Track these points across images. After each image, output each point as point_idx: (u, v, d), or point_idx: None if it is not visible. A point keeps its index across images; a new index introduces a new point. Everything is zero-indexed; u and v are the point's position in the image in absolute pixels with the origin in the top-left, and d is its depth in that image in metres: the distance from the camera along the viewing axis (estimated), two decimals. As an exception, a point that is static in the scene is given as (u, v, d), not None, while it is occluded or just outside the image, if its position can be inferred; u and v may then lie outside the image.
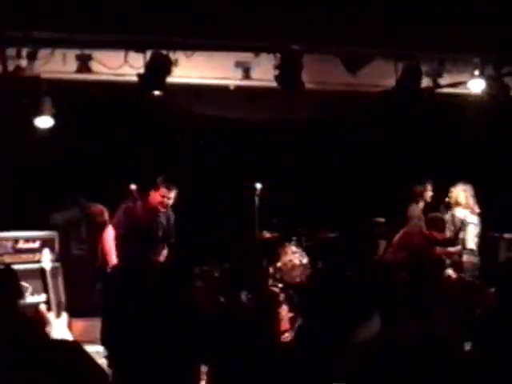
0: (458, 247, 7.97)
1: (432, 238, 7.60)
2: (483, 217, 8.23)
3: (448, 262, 7.84)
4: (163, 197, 6.82)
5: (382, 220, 8.93)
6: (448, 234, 7.96)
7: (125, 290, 4.93)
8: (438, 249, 7.74)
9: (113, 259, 6.72)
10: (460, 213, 8.12)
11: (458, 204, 8.15)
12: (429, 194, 8.52)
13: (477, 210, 8.16)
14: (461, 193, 8.14)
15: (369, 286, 4.68)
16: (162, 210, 6.89)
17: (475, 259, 8.02)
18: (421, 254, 7.47)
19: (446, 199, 8.25)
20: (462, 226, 8.07)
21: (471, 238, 8.10)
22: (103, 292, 5.87)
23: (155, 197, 6.86)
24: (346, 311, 4.33)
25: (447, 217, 8.11)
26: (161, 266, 5.19)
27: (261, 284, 6.02)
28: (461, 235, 8.08)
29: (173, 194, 6.84)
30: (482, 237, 8.24)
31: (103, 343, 5.17)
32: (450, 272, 7.69)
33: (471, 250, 8.04)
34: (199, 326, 4.92)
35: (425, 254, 7.50)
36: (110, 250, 6.77)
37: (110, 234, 6.83)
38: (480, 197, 8.22)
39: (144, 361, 4.65)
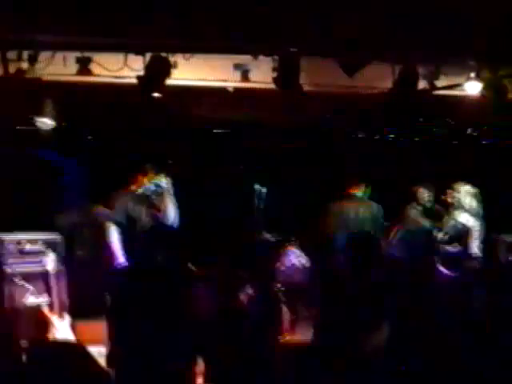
0: (455, 244, 7.93)
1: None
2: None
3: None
4: (152, 183, 6.86)
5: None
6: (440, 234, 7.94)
7: (128, 290, 5.01)
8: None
9: (119, 255, 6.72)
10: (462, 218, 8.01)
11: (460, 207, 8.01)
12: (422, 195, 8.49)
13: (481, 211, 8.08)
14: (465, 194, 8.03)
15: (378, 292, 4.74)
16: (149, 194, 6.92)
17: (477, 264, 7.88)
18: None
19: (449, 199, 8.12)
20: (463, 231, 7.98)
21: (474, 242, 8.01)
22: (108, 293, 5.91)
23: (146, 184, 6.88)
24: (359, 319, 4.39)
25: (451, 222, 7.99)
26: (162, 266, 5.23)
27: (262, 284, 6.06)
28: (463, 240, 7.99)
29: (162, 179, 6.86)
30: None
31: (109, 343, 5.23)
32: (440, 268, 7.71)
33: (474, 255, 7.92)
34: (199, 325, 4.98)
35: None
36: (115, 245, 6.78)
37: (110, 229, 6.84)
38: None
39: (144, 360, 4.72)
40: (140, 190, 6.91)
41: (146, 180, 6.88)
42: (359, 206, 8.25)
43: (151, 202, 6.93)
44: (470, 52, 6.79)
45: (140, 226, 6.82)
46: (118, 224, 6.83)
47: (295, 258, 8.26)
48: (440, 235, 7.78)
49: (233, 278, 6.74)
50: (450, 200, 8.02)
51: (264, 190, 8.08)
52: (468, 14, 6.35)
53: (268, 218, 8.29)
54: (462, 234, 7.93)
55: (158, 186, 6.87)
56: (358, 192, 8.31)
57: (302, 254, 8.35)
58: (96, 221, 7.78)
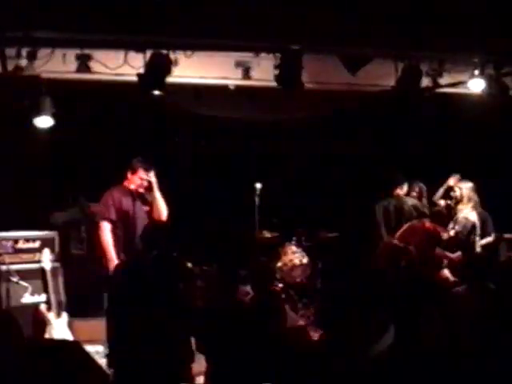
0: (458, 253, 7.82)
1: (434, 236, 7.53)
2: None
3: (445, 262, 7.73)
4: (142, 179, 6.78)
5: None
6: (452, 233, 7.85)
7: (127, 289, 4.96)
8: (438, 250, 7.64)
9: (112, 255, 6.62)
10: (471, 216, 7.96)
11: (469, 201, 7.97)
12: (413, 194, 8.49)
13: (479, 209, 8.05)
14: (469, 191, 8.00)
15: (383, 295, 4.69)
16: (141, 191, 6.83)
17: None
18: (422, 252, 7.41)
19: (455, 194, 8.07)
20: (473, 229, 7.92)
21: (478, 241, 7.98)
22: (106, 292, 5.86)
23: (134, 180, 6.79)
24: (365, 325, 4.35)
25: (462, 221, 7.91)
26: (161, 265, 5.19)
27: (262, 283, 6.01)
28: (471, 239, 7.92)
29: (152, 175, 6.80)
30: (482, 237, 8.16)
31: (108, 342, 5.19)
32: (446, 273, 7.60)
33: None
34: (198, 324, 4.94)
35: (425, 252, 7.44)
36: (107, 245, 6.66)
37: (105, 227, 6.70)
38: (480, 196, 8.18)
39: (143, 359, 4.67)
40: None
41: (136, 178, 6.78)
42: (403, 204, 8.29)
43: (143, 198, 6.85)
44: (473, 49, 6.77)
45: (134, 223, 6.74)
46: (113, 223, 6.73)
47: (295, 256, 8.23)
48: (445, 235, 7.71)
49: (232, 277, 6.69)
50: (457, 195, 7.98)
51: (264, 188, 8.05)
52: (470, 11, 6.33)
53: (267, 217, 8.28)
54: (470, 232, 7.88)
55: None
56: (401, 191, 8.37)
57: (302, 252, 8.32)
58: (92, 218, 7.72)
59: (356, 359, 4.06)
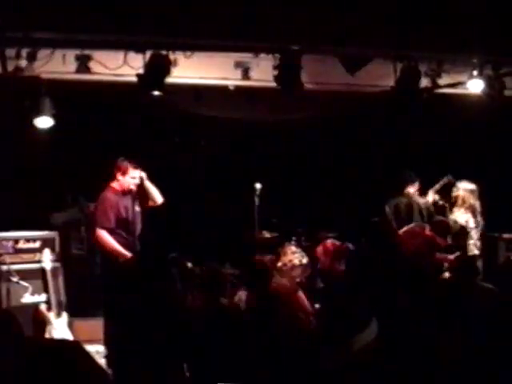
0: (457, 254, 7.82)
1: (433, 243, 7.52)
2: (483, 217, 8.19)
3: (446, 265, 7.73)
4: (134, 178, 6.74)
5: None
6: (449, 240, 7.85)
7: (125, 291, 4.98)
8: (437, 254, 7.64)
9: (123, 252, 6.48)
10: (462, 218, 7.96)
11: (463, 203, 7.98)
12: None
13: (479, 210, 8.05)
14: (464, 192, 8.01)
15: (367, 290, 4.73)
16: (134, 189, 6.78)
17: (479, 264, 7.80)
18: (420, 256, 7.40)
19: (452, 194, 8.09)
20: (464, 232, 7.92)
21: (473, 243, 7.97)
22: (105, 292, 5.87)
23: (127, 180, 6.71)
24: (347, 319, 4.38)
25: (450, 222, 7.91)
26: (160, 266, 5.20)
27: (262, 283, 6.03)
28: (461, 242, 7.93)
29: (141, 171, 6.74)
30: (482, 237, 8.16)
31: (105, 343, 5.20)
32: (447, 276, 7.61)
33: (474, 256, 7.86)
34: (197, 324, 4.95)
35: (424, 257, 7.43)
36: (113, 246, 6.52)
37: (103, 234, 6.59)
38: (481, 198, 8.18)
39: (141, 359, 4.69)
40: None
41: (129, 178, 6.73)
42: (414, 203, 8.27)
43: (139, 195, 6.80)
44: (472, 50, 6.78)
45: (134, 227, 6.71)
46: (111, 230, 6.62)
47: (294, 256, 8.23)
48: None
49: (231, 277, 6.71)
50: (453, 195, 8.00)
51: (264, 188, 8.05)
52: (470, 11, 6.33)
53: (267, 217, 8.27)
54: (460, 234, 7.90)
55: None
56: (412, 189, 8.33)
57: (301, 252, 8.32)
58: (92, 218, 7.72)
59: (342, 352, 4.10)
